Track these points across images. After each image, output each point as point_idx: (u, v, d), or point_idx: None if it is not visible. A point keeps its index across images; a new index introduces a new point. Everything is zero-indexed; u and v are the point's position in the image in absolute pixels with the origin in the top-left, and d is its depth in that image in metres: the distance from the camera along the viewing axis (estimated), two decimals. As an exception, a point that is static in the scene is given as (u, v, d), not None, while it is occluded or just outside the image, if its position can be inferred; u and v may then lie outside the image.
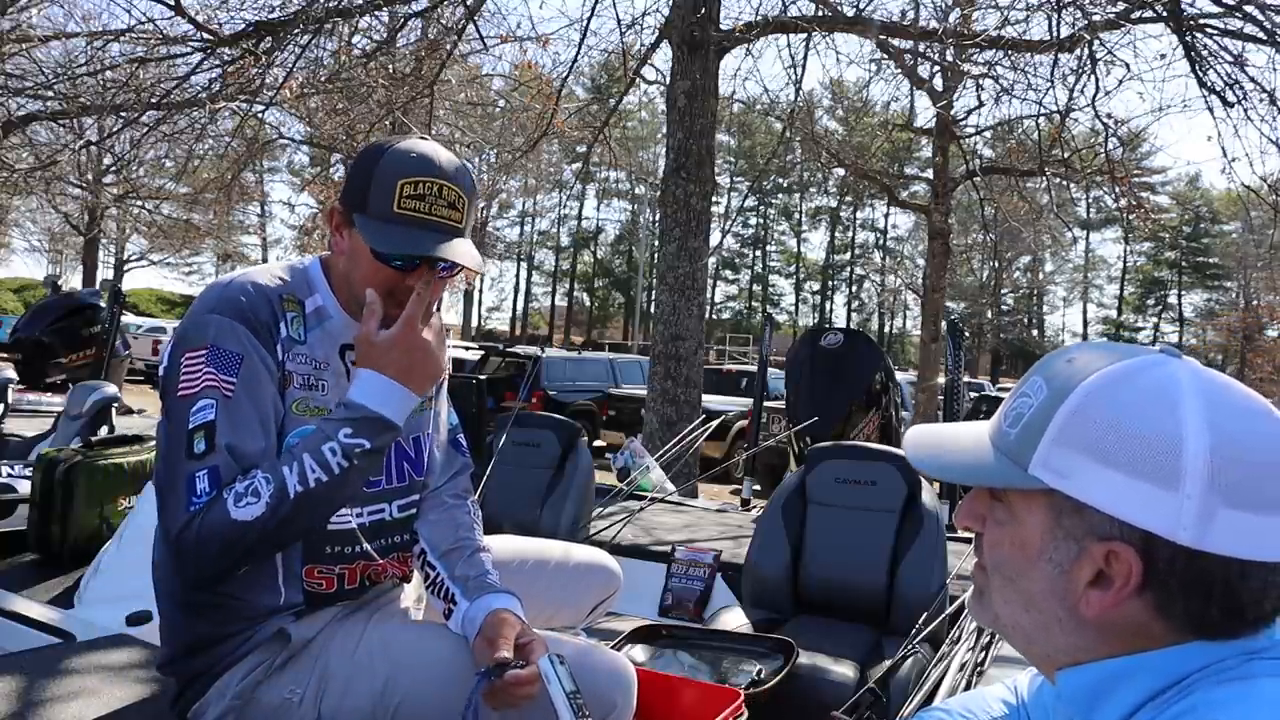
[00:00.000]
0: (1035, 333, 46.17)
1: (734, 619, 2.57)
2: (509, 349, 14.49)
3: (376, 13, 8.02)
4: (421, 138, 1.40)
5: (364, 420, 1.24)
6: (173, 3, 7.26)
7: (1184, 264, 44.24)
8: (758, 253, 49.79)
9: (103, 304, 6.18)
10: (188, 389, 1.26)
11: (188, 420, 1.24)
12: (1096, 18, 6.93)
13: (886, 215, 45.67)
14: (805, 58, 8.04)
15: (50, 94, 8.83)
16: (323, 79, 8.27)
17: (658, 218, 7.73)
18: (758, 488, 5.97)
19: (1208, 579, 0.66)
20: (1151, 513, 0.65)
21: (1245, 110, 6.84)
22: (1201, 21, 6.80)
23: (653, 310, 7.99)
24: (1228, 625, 0.67)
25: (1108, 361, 0.71)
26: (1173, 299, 45.98)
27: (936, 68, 11.56)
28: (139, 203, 21.57)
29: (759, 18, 7.45)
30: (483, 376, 7.09)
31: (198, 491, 1.21)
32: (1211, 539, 0.64)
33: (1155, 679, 0.68)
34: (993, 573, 0.77)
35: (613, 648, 1.85)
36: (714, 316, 45.00)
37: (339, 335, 1.43)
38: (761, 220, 49.20)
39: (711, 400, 9.55)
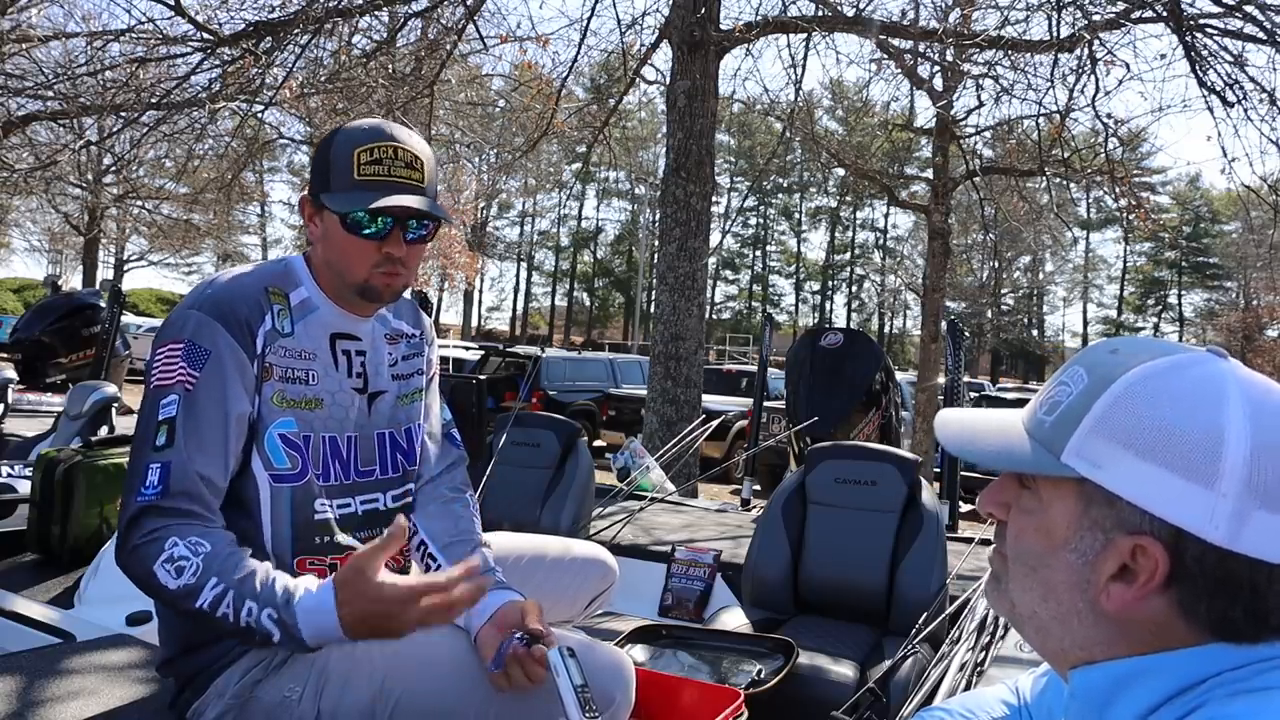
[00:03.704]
0: (1035, 333, 46.18)
1: (734, 619, 2.57)
2: (509, 349, 14.49)
3: (376, 13, 8.03)
4: (373, 117, 1.43)
5: (288, 627, 1.18)
6: (173, 3, 7.26)
7: (1184, 264, 44.24)
8: (758, 253, 49.80)
9: (103, 304, 6.18)
10: (161, 381, 1.31)
11: (157, 411, 1.30)
12: (1096, 18, 6.94)
13: (886, 215, 45.71)
14: (805, 58, 8.05)
15: (50, 94, 8.82)
16: (323, 79, 8.26)
17: (658, 218, 7.73)
18: (758, 488, 5.97)
19: (1235, 580, 0.65)
20: (1185, 508, 0.65)
21: (1245, 110, 6.84)
22: (1201, 21, 6.80)
23: (653, 310, 7.99)
24: (1250, 629, 0.66)
25: (1153, 356, 0.70)
26: (1173, 299, 46.00)
27: (936, 68, 11.54)
28: (139, 203, 21.59)
29: (759, 18, 7.45)
30: (483, 376, 7.08)
31: (147, 483, 1.26)
32: (1244, 540, 0.64)
33: (1171, 681, 0.67)
34: (1014, 561, 0.76)
35: (612, 646, 1.85)
36: (714, 316, 44.99)
37: (329, 325, 1.45)
38: (761, 220, 49.21)
39: (711, 400, 9.55)
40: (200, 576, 1.20)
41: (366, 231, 1.37)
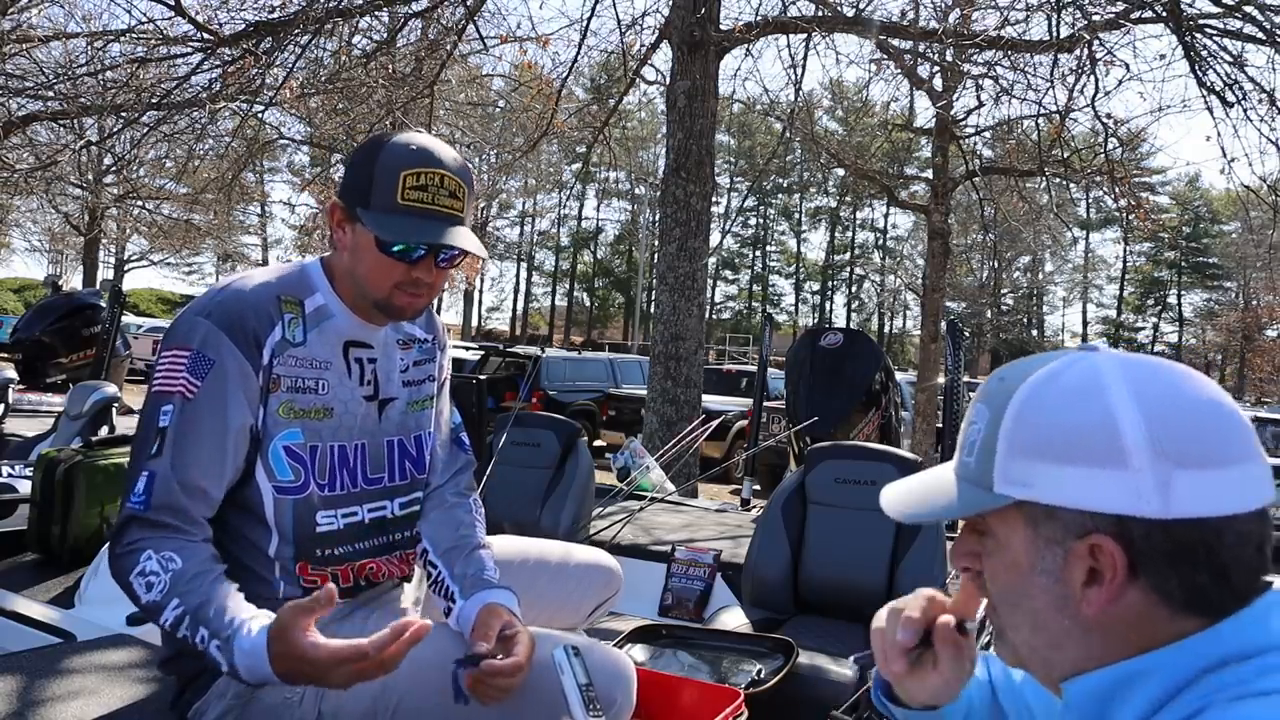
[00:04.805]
0: (1035, 333, 46.17)
1: (734, 619, 2.57)
2: (509, 349, 14.48)
3: (376, 13, 8.03)
4: (417, 130, 1.40)
5: (231, 661, 1.18)
6: (173, 3, 7.26)
7: (1184, 264, 44.24)
8: (758, 253, 49.80)
9: (103, 304, 6.19)
10: (163, 387, 1.31)
11: (157, 417, 1.30)
12: (1096, 18, 6.93)
13: (886, 215, 45.71)
14: (805, 58, 8.05)
15: (50, 94, 8.81)
16: (323, 79, 8.27)
17: (658, 218, 7.73)
18: (758, 488, 5.97)
19: (1189, 546, 0.67)
20: (1113, 495, 0.67)
21: (1245, 110, 6.84)
22: (1201, 22, 6.80)
23: (653, 310, 7.99)
24: (1218, 594, 0.68)
25: (1032, 369, 0.75)
26: (1172, 299, 45.99)
27: (936, 68, 11.55)
28: (139, 203, 21.58)
29: (759, 18, 7.45)
30: (483, 376, 7.08)
31: (137, 490, 1.27)
32: (1176, 505, 0.66)
33: (1164, 679, 0.68)
34: (1000, 604, 0.78)
35: (612, 647, 1.85)
36: (714, 316, 44.99)
37: (343, 333, 1.44)
38: (761, 220, 49.20)
39: (711, 400, 9.54)
40: (165, 595, 1.21)
41: (398, 249, 1.34)
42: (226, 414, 1.31)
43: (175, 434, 1.28)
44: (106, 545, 2.38)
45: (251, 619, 1.20)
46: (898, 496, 0.85)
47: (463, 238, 1.35)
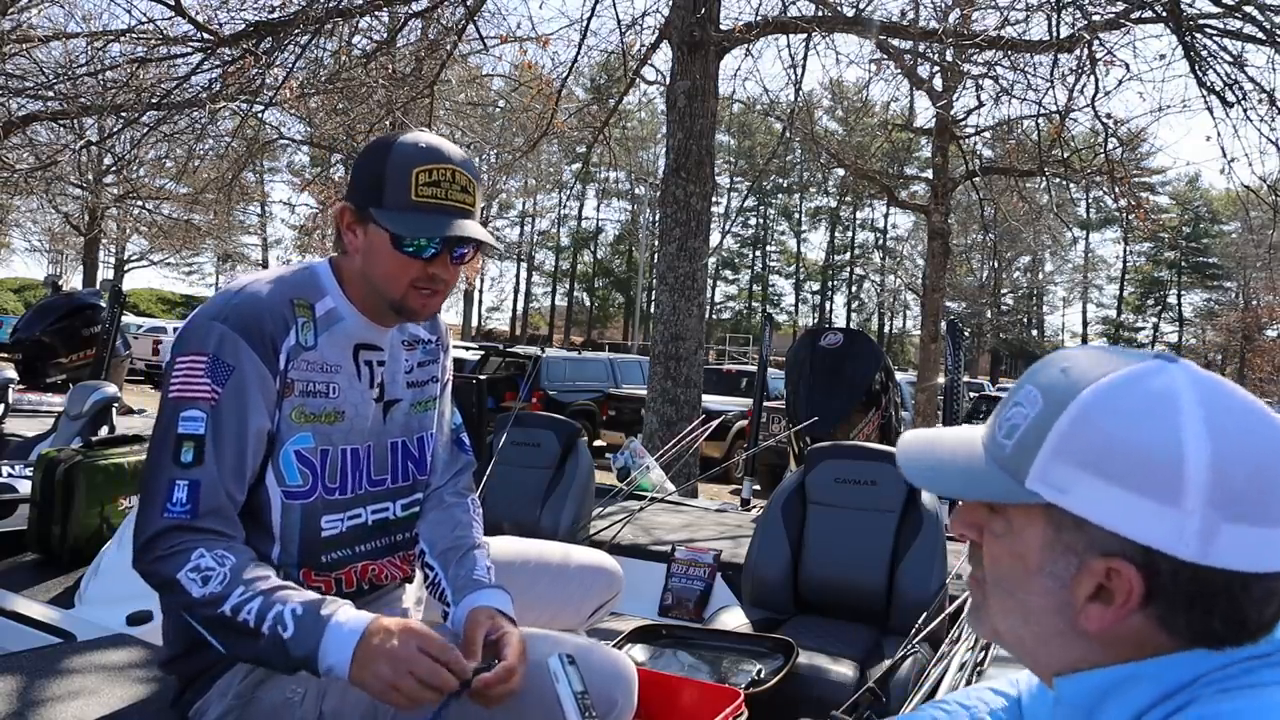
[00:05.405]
0: (1035, 333, 46.18)
1: (734, 619, 2.57)
2: (509, 349, 14.48)
3: (376, 13, 8.03)
4: (422, 130, 1.41)
5: (301, 657, 1.19)
6: (173, 3, 7.27)
7: (1183, 264, 44.26)
8: (758, 253, 49.81)
9: (103, 304, 6.19)
10: (182, 393, 1.29)
11: (177, 424, 1.28)
12: (1096, 18, 6.93)
13: (886, 215, 45.73)
14: (805, 58, 8.04)
15: (50, 94, 8.81)
16: (323, 79, 8.27)
17: (658, 218, 7.73)
18: (758, 488, 5.97)
19: (1210, 592, 0.65)
20: (1153, 529, 0.64)
21: (1245, 110, 6.85)
22: (1201, 22, 6.81)
23: (653, 310, 7.99)
24: (1230, 635, 0.66)
25: (1103, 370, 0.69)
26: (1172, 299, 46.01)
27: (936, 68, 11.57)
28: (139, 203, 21.58)
29: (759, 18, 7.45)
30: (483, 376, 7.08)
31: (173, 500, 1.25)
32: (1214, 554, 0.63)
33: (1158, 685, 0.68)
34: (991, 586, 0.76)
35: (613, 647, 1.85)
36: (714, 316, 44.99)
37: (353, 336, 1.43)
38: (761, 220, 49.21)
39: (711, 400, 9.55)
40: (227, 585, 1.21)
41: (409, 248, 1.35)
42: (248, 419, 1.30)
43: (213, 442, 1.27)
44: (106, 545, 2.39)
45: (344, 605, 1.24)
46: (915, 457, 0.80)
47: (478, 230, 1.36)
